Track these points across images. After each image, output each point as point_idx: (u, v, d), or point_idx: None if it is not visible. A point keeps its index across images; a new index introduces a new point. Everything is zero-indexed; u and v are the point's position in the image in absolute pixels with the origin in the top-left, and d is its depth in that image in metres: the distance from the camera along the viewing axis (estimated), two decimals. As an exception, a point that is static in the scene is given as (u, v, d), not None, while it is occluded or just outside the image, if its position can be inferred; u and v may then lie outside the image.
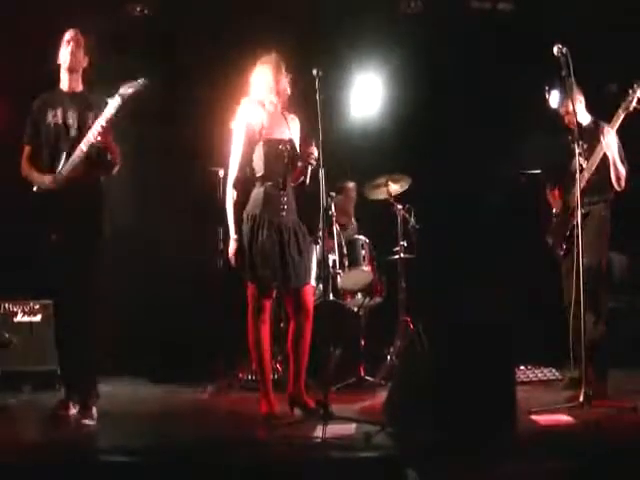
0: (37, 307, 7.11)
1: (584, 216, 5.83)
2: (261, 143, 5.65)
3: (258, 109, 5.71)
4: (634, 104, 5.92)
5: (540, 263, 6.79)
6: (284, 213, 5.65)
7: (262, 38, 6.66)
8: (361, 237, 7.60)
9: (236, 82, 5.97)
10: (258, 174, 5.69)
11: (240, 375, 7.12)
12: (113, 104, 5.62)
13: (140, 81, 5.70)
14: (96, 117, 5.64)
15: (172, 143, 8.10)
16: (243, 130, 5.67)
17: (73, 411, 5.75)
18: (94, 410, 5.64)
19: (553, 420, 5.28)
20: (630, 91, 5.96)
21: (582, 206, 5.77)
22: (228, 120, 5.76)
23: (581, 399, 5.52)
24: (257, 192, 5.68)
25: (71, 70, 5.80)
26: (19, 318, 7.08)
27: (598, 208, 6.19)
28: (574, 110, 5.97)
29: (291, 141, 5.78)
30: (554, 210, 6.47)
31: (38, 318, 7.08)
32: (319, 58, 6.27)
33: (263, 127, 5.68)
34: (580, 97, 6.23)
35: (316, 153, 5.63)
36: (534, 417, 5.32)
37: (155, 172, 8.14)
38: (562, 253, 6.29)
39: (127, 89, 5.65)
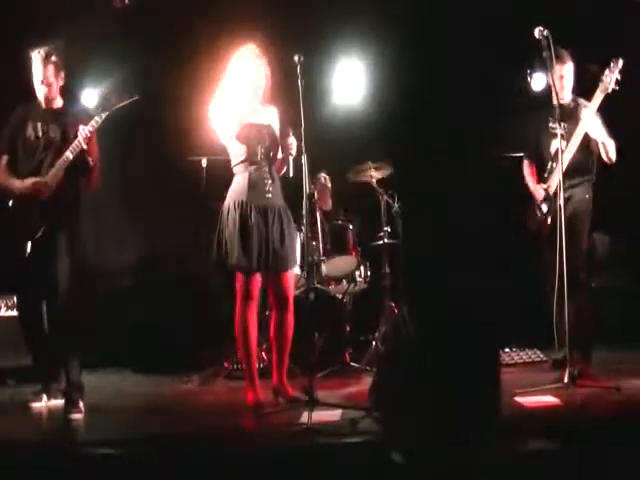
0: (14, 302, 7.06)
1: (566, 199, 5.83)
2: (241, 127, 5.64)
3: (237, 95, 5.69)
4: (612, 85, 5.91)
5: (523, 245, 6.79)
6: (269, 195, 5.64)
7: (244, 23, 6.65)
8: (345, 223, 7.60)
9: (216, 67, 5.94)
10: (240, 159, 5.69)
11: (226, 365, 7.11)
12: (101, 115, 5.68)
13: (130, 96, 5.82)
14: (77, 128, 5.67)
15: (154, 134, 8.09)
16: (223, 112, 5.65)
17: (45, 402, 5.91)
18: (81, 403, 5.66)
19: (538, 402, 5.29)
20: (607, 71, 5.93)
21: (564, 189, 5.78)
22: (207, 106, 5.75)
23: (566, 380, 5.54)
24: (240, 178, 5.67)
25: (48, 86, 5.82)
26: (2, 312, 7.06)
27: (580, 190, 6.19)
28: (556, 91, 5.96)
29: (270, 126, 5.78)
30: (533, 192, 6.44)
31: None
32: (301, 43, 6.24)
33: (242, 112, 5.67)
34: (570, 70, 6.21)
35: (295, 143, 5.65)
36: (519, 399, 5.32)
37: (137, 163, 8.13)
38: (544, 235, 6.27)
39: (116, 102, 5.72)
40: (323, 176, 7.93)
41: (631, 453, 4.06)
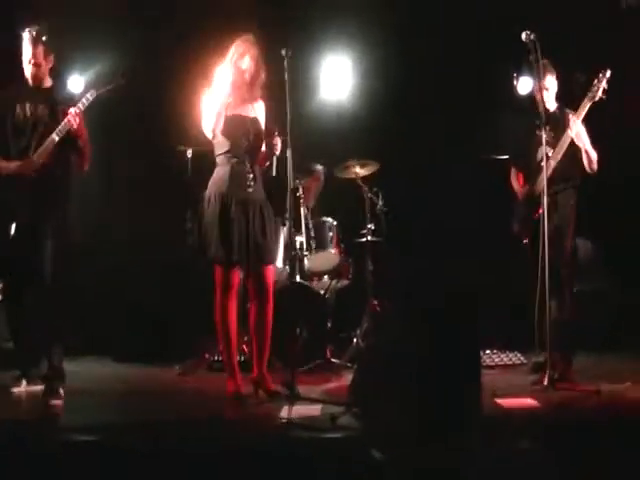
0: (0, 286, 7.01)
1: (550, 204, 5.86)
2: (227, 118, 5.64)
3: (229, 88, 5.68)
4: (599, 94, 5.96)
5: (506, 248, 6.80)
6: (251, 189, 5.63)
7: (232, 17, 6.65)
8: (329, 219, 7.60)
9: (206, 58, 5.94)
10: (223, 150, 5.69)
11: (207, 356, 7.12)
12: (87, 97, 5.67)
13: (118, 81, 5.85)
14: (66, 111, 5.65)
15: (139, 124, 8.08)
16: (212, 107, 5.64)
17: (25, 387, 5.92)
18: (61, 390, 5.65)
19: (518, 403, 5.31)
20: (596, 80, 5.99)
21: (548, 194, 5.81)
22: (198, 96, 5.73)
23: (546, 383, 5.58)
24: (222, 169, 5.67)
25: (36, 66, 5.79)
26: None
27: (564, 196, 6.20)
28: (542, 96, 6.00)
29: (256, 121, 5.78)
30: (519, 196, 6.48)
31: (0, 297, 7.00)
32: (289, 39, 6.23)
33: (230, 103, 5.67)
34: (553, 81, 6.25)
35: (280, 143, 5.66)
36: (499, 400, 5.33)
37: (123, 152, 8.11)
38: (527, 240, 6.30)
39: (103, 86, 5.72)
40: (319, 169, 7.91)
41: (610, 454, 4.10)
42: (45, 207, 5.69)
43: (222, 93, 5.63)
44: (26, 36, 5.77)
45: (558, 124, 6.11)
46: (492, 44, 7.70)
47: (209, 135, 5.70)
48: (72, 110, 5.62)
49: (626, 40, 7.40)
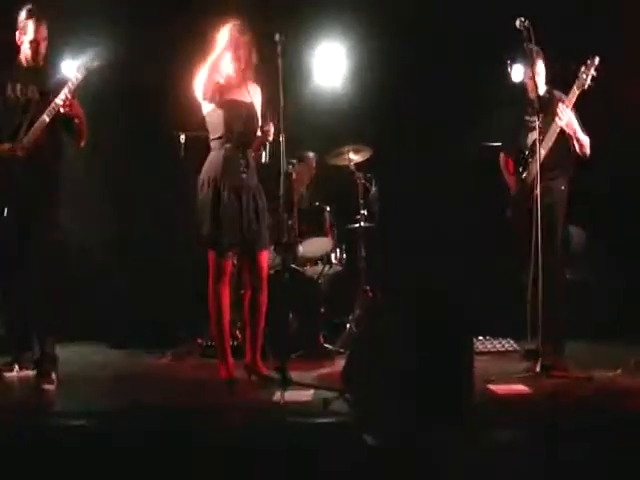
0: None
1: (542, 191, 5.85)
2: (221, 103, 5.63)
3: (221, 70, 5.69)
4: (588, 82, 5.96)
5: (499, 235, 6.80)
6: (244, 175, 5.64)
7: (227, 1, 6.64)
8: (321, 205, 7.60)
9: (199, 46, 5.92)
10: (216, 135, 5.69)
11: (200, 341, 7.11)
12: (77, 76, 5.61)
13: (104, 56, 5.73)
14: (57, 92, 5.60)
15: (134, 109, 8.06)
16: (206, 79, 5.62)
17: (17, 372, 5.92)
18: (53, 375, 5.64)
19: (510, 389, 5.33)
20: (583, 68, 5.98)
21: (540, 181, 5.81)
22: (190, 80, 5.72)
23: (538, 369, 5.59)
24: (216, 155, 5.68)
25: (33, 44, 5.73)
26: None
27: (556, 183, 6.20)
28: (534, 79, 6.00)
29: (251, 105, 5.76)
30: (509, 182, 6.47)
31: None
32: (283, 25, 6.21)
33: (224, 88, 5.66)
34: (542, 65, 6.24)
35: (273, 130, 5.67)
36: (491, 386, 5.37)
37: (118, 138, 8.08)
38: (520, 227, 6.29)
39: (91, 62, 5.65)
40: (311, 156, 7.89)
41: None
42: (36, 189, 5.64)
43: (217, 71, 5.63)
44: (25, 14, 5.72)
45: (548, 108, 6.10)
46: (485, 32, 7.67)
47: (200, 97, 5.68)
48: (60, 96, 5.58)
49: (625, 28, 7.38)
